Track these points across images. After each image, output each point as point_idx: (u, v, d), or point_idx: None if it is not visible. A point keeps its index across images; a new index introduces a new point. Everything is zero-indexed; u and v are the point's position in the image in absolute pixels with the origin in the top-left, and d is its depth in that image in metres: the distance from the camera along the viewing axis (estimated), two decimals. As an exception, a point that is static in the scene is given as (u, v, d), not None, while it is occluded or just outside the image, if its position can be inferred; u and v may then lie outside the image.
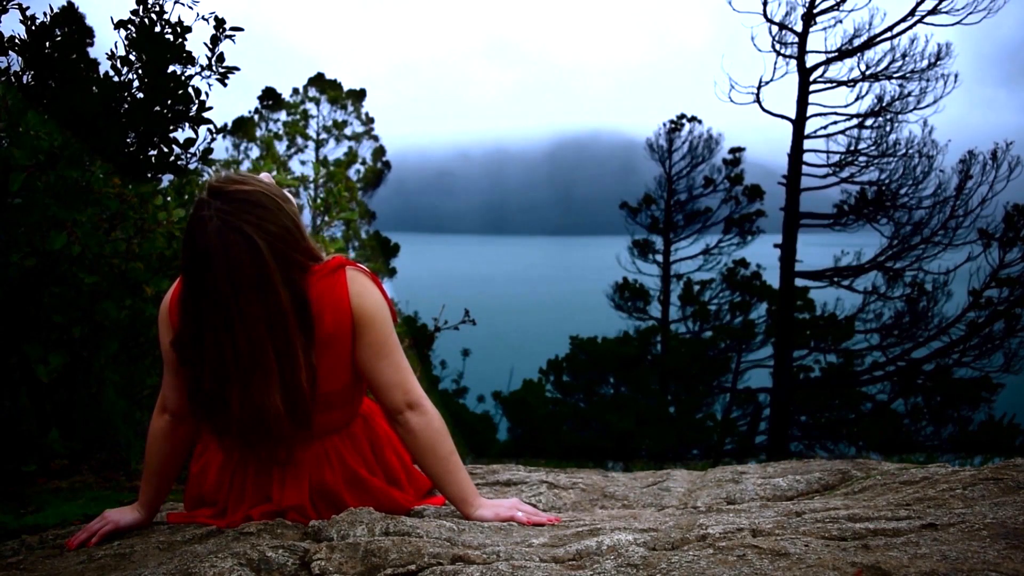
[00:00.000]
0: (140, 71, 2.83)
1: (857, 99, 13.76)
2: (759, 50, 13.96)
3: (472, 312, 4.91)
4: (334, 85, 22.66)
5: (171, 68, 2.86)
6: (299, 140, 21.97)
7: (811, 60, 13.84)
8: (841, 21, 13.42)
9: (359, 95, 22.94)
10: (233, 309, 1.49)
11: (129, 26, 2.83)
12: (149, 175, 2.95)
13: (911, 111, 13.37)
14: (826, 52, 13.69)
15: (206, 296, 1.50)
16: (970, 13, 12.35)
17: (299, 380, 1.54)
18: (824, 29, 13.60)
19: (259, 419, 1.55)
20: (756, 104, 14.14)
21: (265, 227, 1.51)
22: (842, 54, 13.51)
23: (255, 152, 20.83)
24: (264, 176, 1.66)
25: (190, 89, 2.88)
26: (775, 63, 13.99)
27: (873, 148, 13.83)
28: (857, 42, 13.37)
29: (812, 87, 13.86)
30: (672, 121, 18.24)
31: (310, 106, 22.44)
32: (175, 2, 2.89)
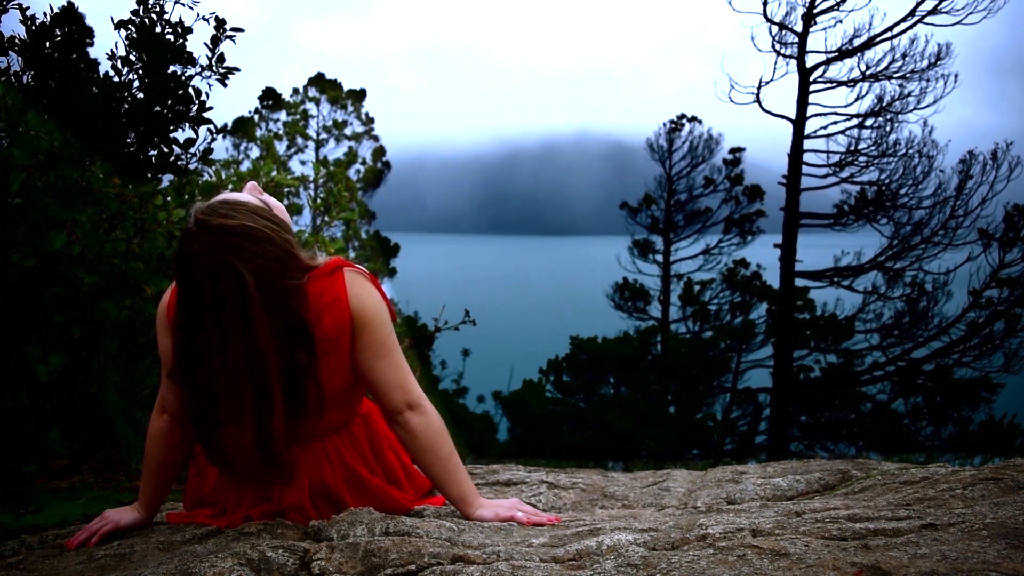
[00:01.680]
0: (140, 71, 2.83)
1: (857, 99, 13.77)
2: (759, 50, 13.98)
3: (472, 312, 4.90)
4: (334, 85, 22.66)
5: (171, 68, 2.86)
6: (299, 140, 21.96)
7: (811, 60, 13.85)
8: (841, 21, 13.44)
9: (359, 95, 22.94)
10: (218, 345, 1.49)
11: (129, 26, 2.82)
12: (149, 175, 2.94)
13: (911, 111, 13.38)
14: (826, 52, 13.70)
15: (198, 329, 1.51)
16: (970, 13, 12.36)
17: (271, 423, 1.53)
18: (824, 29, 13.62)
19: (235, 455, 1.56)
20: (756, 104, 14.15)
21: (254, 261, 1.49)
22: (842, 54, 13.51)
23: (255, 152, 20.82)
24: (247, 194, 1.63)
25: (190, 89, 2.88)
26: (775, 63, 14.01)
27: (873, 148, 13.83)
28: (857, 42, 13.37)
29: (812, 87, 13.86)
30: (672, 121, 18.25)
31: (310, 106, 22.44)
32: (175, 2, 2.88)
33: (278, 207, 1.66)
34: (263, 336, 1.49)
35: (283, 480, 1.65)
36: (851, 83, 13.66)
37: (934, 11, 12.72)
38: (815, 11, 13.61)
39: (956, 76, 12.85)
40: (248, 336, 1.49)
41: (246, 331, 1.49)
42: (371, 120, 23.05)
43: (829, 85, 13.88)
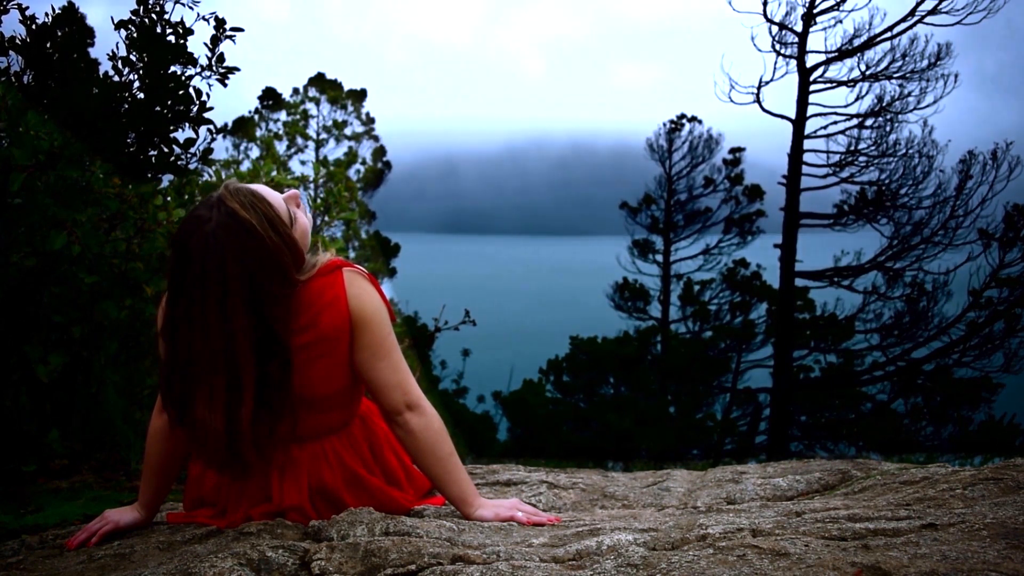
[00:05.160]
0: (140, 71, 2.83)
1: (857, 99, 13.76)
2: (759, 50, 13.97)
3: (472, 311, 4.91)
4: (334, 85, 22.65)
5: (172, 68, 2.86)
6: (299, 140, 21.95)
7: (811, 60, 13.84)
8: (841, 21, 13.42)
9: (359, 95, 22.93)
10: (199, 320, 1.49)
11: (130, 26, 2.82)
12: (149, 175, 2.94)
13: (911, 111, 13.38)
14: (826, 52, 13.69)
15: (182, 295, 1.51)
16: (970, 13, 12.35)
17: (239, 417, 1.52)
18: (824, 29, 13.60)
19: (204, 436, 1.54)
20: (756, 104, 14.15)
21: (243, 258, 1.49)
22: (842, 54, 13.50)
23: (255, 152, 20.81)
24: (281, 200, 1.62)
25: (190, 89, 2.88)
26: (775, 63, 14.00)
27: (873, 148, 13.82)
28: (857, 42, 13.36)
29: (812, 87, 13.85)
30: (672, 121, 18.26)
31: (310, 106, 22.42)
32: (176, 2, 2.89)
33: (302, 227, 1.65)
34: (239, 329, 1.49)
35: (246, 474, 1.64)
36: (851, 83, 13.65)
37: (934, 11, 12.71)
38: (815, 11, 13.60)
39: (956, 76, 12.86)
40: (225, 323, 1.49)
41: (223, 315, 1.48)
42: (371, 120, 23.04)
43: (829, 85, 13.87)
